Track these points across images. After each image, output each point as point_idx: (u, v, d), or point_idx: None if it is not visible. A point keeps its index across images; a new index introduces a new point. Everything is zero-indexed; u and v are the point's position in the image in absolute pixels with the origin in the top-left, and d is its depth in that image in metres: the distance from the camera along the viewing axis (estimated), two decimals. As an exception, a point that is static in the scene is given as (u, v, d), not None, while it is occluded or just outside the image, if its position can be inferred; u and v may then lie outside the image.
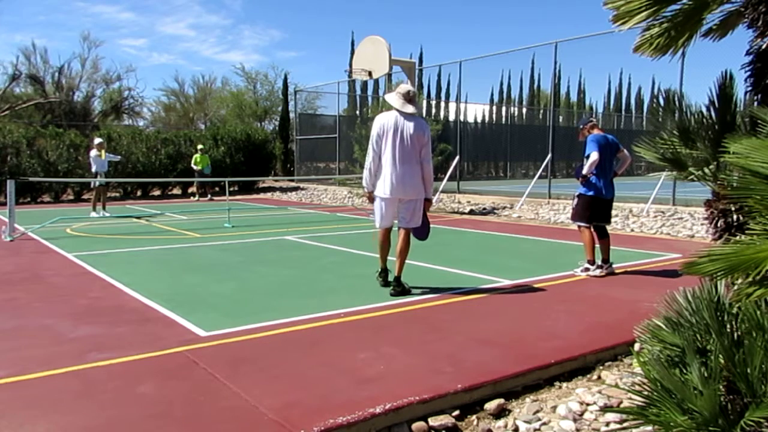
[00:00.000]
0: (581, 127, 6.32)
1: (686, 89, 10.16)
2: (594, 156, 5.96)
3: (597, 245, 6.18)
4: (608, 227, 6.32)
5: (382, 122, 5.28)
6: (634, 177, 22.47)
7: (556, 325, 4.31)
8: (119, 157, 15.21)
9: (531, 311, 4.73)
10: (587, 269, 6.12)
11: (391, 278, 5.43)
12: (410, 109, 5.26)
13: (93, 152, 12.57)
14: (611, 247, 6.30)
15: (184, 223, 11.37)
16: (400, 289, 5.27)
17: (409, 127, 5.21)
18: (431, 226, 5.74)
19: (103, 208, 12.82)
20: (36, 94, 30.31)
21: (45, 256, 7.42)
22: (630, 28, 2.26)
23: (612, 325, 4.28)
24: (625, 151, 6.30)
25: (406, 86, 5.37)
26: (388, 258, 5.55)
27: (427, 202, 5.46)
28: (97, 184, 12.78)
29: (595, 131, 6.17)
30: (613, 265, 6.22)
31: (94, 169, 12.59)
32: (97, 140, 13.12)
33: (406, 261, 5.35)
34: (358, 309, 4.72)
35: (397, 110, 5.27)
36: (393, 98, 5.31)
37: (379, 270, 5.61)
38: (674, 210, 11.23)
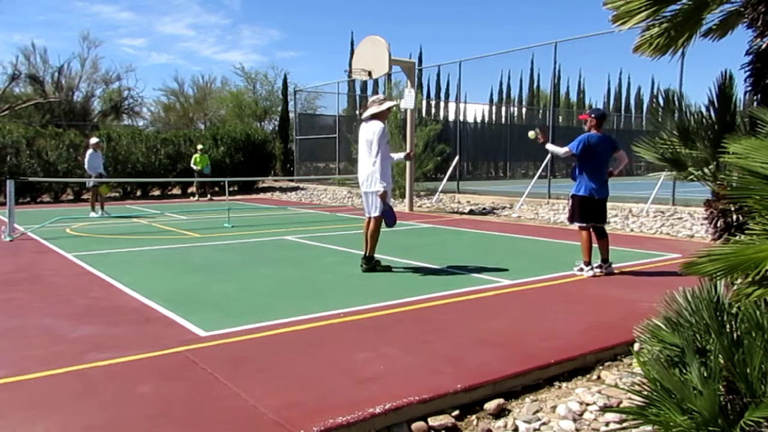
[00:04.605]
0: (592, 116, 6.17)
1: (686, 89, 10.19)
2: (561, 152, 6.22)
3: (595, 245, 6.17)
4: (607, 227, 6.31)
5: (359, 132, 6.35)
6: (633, 177, 22.47)
7: (556, 325, 4.31)
8: (93, 179, 13.13)
9: (531, 311, 4.73)
10: (581, 269, 6.11)
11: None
12: (365, 114, 6.23)
13: (89, 152, 12.52)
14: (611, 247, 6.30)
15: (183, 223, 11.36)
16: (368, 267, 6.18)
17: (361, 130, 6.22)
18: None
19: (102, 208, 12.80)
20: (35, 94, 30.25)
21: (45, 256, 7.42)
22: (630, 28, 2.27)
23: (612, 325, 4.28)
24: (622, 151, 6.29)
25: (372, 96, 6.53)
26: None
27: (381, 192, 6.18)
28: (91, 184, 12.72)
29: (594, 131, 6.12)
30: (613, 265, 6.22)
31: (87, 168, 12.52)
32: (93, 140, 13.05)
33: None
34: (357, 309, 4.72)
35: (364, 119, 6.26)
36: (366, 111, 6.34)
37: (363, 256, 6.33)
38: (674, 210, 11.23)
